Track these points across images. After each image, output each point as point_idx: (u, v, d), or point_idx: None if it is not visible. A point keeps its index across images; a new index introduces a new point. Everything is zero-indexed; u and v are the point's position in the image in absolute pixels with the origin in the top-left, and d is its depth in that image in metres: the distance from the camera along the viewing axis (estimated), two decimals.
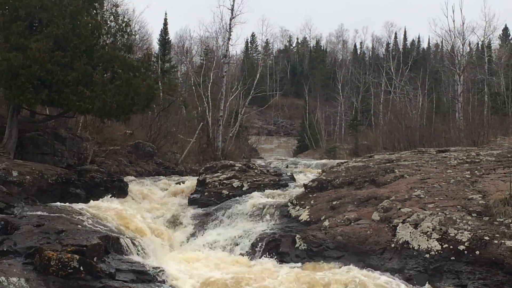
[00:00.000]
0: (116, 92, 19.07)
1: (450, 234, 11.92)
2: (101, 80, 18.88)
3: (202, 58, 63.58)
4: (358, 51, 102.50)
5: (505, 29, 75.94)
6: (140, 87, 19.69)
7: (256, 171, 20.79)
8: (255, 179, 19.31)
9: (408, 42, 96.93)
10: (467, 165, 16.36)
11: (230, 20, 41.73)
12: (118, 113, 19.98)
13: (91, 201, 16.43)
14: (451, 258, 11.53)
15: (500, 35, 74.04)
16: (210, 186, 18.95)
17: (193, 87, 45.67)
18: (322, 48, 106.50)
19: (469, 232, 11.80)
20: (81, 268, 10.35)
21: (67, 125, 23.70)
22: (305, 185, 17.03)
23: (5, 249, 11.10)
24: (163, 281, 11.34)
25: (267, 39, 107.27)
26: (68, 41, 18.40)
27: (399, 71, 70.55)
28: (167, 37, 54.71)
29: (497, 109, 52.08)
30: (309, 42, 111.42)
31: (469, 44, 60.90)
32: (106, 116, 20.65)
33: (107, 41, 20.23)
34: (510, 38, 76.32)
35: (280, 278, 11.39)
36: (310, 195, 15.96)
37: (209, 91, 40.17)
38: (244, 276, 11.50)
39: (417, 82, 59.63)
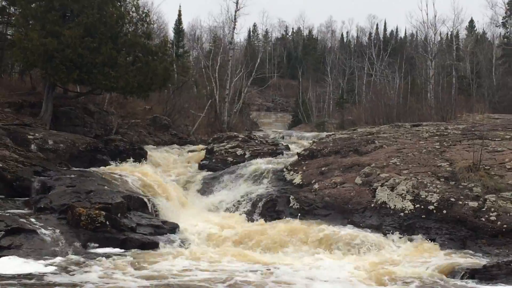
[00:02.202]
0: (137, 73, 19.14)
1: (422, 196, 11.95)
2: (124, 63, 18.97)
3: (210, 44, 63.06)
4: (345, 40, 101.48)
5: (471, 21, 74.95)
6: (157, 69, 19.73)
7: (256, 141, 20.76)
8: (255, 148, 19.29)
9: (388, 32, 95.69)
10: (437, 137, 16.33)
11: (235, 12, 41.22)
12: (138, 91, 20.08)
13: (116, 165, 16.48)
14: (422, 216, 11.59)
15: (466, 26, 73.08)
16: (217, 154, 18.94)
17: (203, 70, 45.26)
18: (314, 37, 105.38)
19: (437, 194, 11.84)
20: (107, 222, 10.44)
21: (95, 101, 23.58)
22: (298, 154, 17.00)
23: (42, 206, 11.16)
24: (176, 234, 11.42)
25: (266, 29, 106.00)
26: (96, 29, 18.34)
27: (379, 57, 70.02)
28: (181, 26, 54.13)
29: (463, 90, 51.81)
30: (302, 32, 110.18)
31: (440, 34, 60.17)
32: (128, 94, 20.70)
33: (130, 29, 20.17)
34: (475, 28, 75.51)
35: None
36: (303, 162, 15.94)
37: (216, 73, 39.85)
38: (246, 230, 11.61)
39: (395, 66, 59.29)
